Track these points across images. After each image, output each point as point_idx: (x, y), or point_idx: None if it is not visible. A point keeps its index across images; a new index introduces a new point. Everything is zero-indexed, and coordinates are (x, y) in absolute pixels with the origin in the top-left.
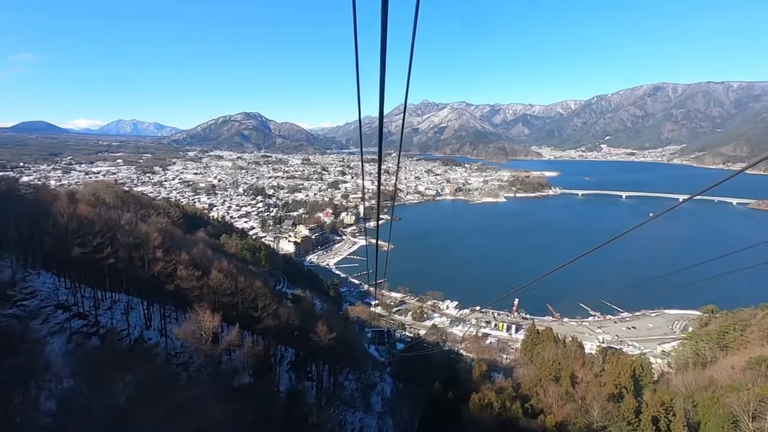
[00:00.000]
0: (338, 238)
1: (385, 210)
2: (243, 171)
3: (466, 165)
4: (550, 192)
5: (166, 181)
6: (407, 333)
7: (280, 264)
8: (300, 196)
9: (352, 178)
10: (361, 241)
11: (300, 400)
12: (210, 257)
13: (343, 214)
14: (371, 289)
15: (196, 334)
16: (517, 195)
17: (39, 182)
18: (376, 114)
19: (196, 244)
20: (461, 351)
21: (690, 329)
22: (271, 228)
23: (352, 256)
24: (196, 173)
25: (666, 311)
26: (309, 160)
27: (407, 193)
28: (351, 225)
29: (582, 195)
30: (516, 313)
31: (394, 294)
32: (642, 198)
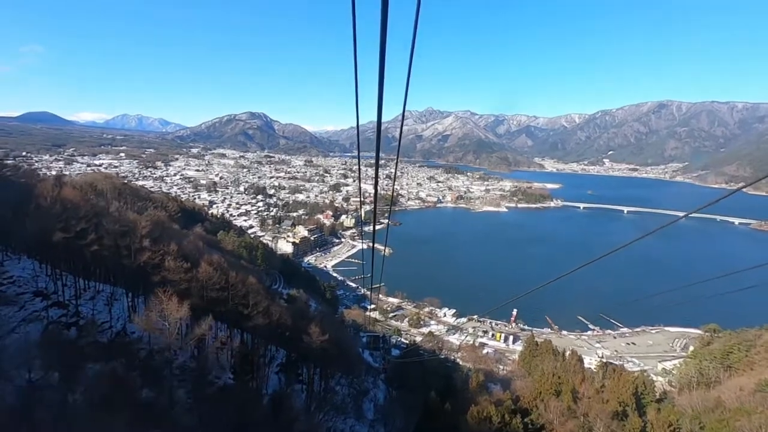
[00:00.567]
0: (337, 240)
1: (385, 214)
2: (245, 170)
3: (468, 173)
4: (552, 204)
5: (167, 176)
6: (403, 339)
7: (278, 264)
8: (301, 197)
9: (354, 181)
10: (360, 245)
11: (287, 404)
12: (201, 250)
13: (343, 216)
14: (368, 292)
15: (158, 324)
16: (519, 205)
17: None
18: (384, 118)
19: (188, 236)
20: (458, 360)
21: (691, 348)
22: (270, 227)
23: (350, 259)
24: (198, 170)
25: (666, 328)
26: (311, 161)
27: (408, 199)
28: (351, 228)
29: (583, 208)
30: (514, 324)
31: (391, 299)
32: (643, 214)
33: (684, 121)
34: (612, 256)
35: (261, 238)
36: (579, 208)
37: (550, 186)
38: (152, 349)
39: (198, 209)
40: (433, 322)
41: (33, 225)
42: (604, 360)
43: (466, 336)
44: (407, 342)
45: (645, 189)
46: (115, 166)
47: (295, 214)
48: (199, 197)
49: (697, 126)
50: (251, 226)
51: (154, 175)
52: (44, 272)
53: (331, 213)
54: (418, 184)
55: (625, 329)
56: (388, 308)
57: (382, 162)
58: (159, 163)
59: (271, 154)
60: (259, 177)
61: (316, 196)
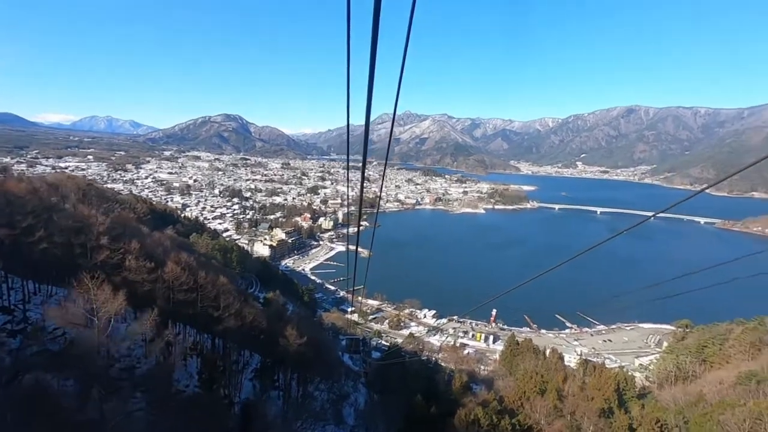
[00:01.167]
0: (315, 243)
1: (365, 217)
2: (220, 172)
3: (446, 176)
4: (528, 205)
5: (138, 179)
6: (383, 341)
7: (254, 267)
8: (278, 199)
9: (332, 183)
10: (339, 247)
11: (259, 411)
12: (167, 248)
13: (321, 219)
14: (347, 295)
15: (77, 318)
16: (496, 207)
17: None
18: (359, 122)
19: (153, 235)
20: (439, 361)
21: (665, 344)
22: (246, 230)
23: (329, 262)
24: (171, 173)
25: (640, 325)
26: (289, 164)
27: (387, 201)
28: (329, 230)
29: (558, 209)
30: (494, 324)
31: (370, 301)
32: (615, 214)
33: (651, 125)
34: (587, 255)
35: (237, 241)
36: (554, 209)
37: (526, 188)
38: (111, 357)
39: (170, 211)
40: (413, 323)
41: None
42: (583, 357)
43: (447, 337)
44: (388, 344)
45: (616, 190)
46: (83, 169)
47: (272, 217)
48: (171, 200)
49: (663, 130)
50: (227, 230)
51: (124, 178)
52: None
53: (309, 215)
54: (396, 186)
55: (601, 327)
56: (368, 310)
57: (360, 164)
58: (129, 166)
59: (247, 157)
60: (234, 180)
61: (293, 198)
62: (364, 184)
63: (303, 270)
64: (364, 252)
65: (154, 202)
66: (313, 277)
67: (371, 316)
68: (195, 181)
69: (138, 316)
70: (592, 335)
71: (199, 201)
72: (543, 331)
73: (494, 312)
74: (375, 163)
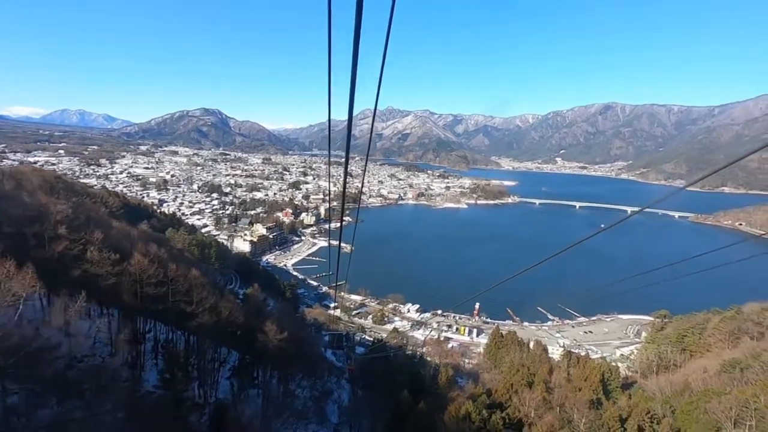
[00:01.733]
0: (297, 238)
1: (348, 212)
2: (199, 168)
3: (428, 171)
4: (509, 200)
5: (112, 174)
6: (367, 337)
7: (233, 263)
8: (259, 195)
9: (314, 179)
10: (321, 242)
11: (234, 412)
12: (134, 239)
13: (303, 214)
14: (330, 291)
15: None
16: (478, 202)
17: None
18: (341, 117)
19: (119, 226)
20: (424, 355)
21: (644, 334)
22: (226, 226)
23: (311, 257)
24: (147, 168)
25: (620, 316)
26: (270, 159)
27: (370, 196)
28: (311, 225)
29: (539, 204)
30: (477, 317)
31: (354, 296)
32: (594, 209)
33: (627, 122)
34: (567, 250)
35: (216, 237)
36: (535, 204)
37: (507, 183)
38: (73, 357)
39: (145, 206)
40: (397, 318)
41: None
42: (566, 349)
43: (431, 331)
44: (372, 339)
45: (594, 186)
46: (53, 164)
47: (252, 213)
48: (147, 196)
49: (639, 127)
50: (205, 225)
51: (98, 173)
52: None
53: (290, 211)
54: (379, 181)
55: (582, 318)
56: (351, 306)
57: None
58: (103, 161)
59: (227, 152)
60: (214, 175)
61: (275, 194)
62: (347, 180)
63: (285, 266)
64: (346, 247)
65: (128, 197)
66: (295, 273)
67: (355, 312)
68: (172, 176)
69: (103, 312)
70: (573, 327)
71: (176, 196)
72: (526, 323)
73: (477, 305)
74: (358, 158)
